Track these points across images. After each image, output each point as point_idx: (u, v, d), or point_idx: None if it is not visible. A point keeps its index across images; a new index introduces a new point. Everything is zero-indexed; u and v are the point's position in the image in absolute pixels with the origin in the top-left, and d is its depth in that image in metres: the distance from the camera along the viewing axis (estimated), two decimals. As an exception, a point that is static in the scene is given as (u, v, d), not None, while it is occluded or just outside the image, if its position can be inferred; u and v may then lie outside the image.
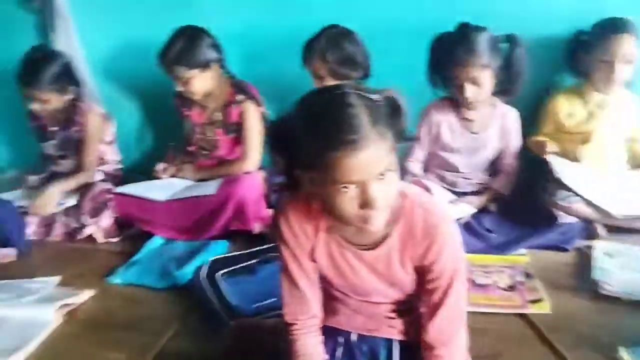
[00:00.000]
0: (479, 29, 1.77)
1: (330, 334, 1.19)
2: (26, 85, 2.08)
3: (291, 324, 1.15)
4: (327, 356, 1.15)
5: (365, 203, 0.90)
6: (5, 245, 1.98)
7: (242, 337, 1.48)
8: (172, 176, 2.21)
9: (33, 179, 2.30)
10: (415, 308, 1.16)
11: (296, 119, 0.93)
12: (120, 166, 2.38)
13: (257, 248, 1.88)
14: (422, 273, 1.07)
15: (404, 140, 0.97)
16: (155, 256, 1.91)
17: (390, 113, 0.93)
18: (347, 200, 0.91)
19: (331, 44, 1.92)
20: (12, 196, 2.16)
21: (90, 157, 2.22)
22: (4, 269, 1.94)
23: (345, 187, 0.89)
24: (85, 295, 1.72)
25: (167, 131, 2.41)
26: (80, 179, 2.18)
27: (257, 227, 1.98)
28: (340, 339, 1.19)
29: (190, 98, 2.15)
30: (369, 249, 1.07)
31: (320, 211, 1.06)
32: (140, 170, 2.41)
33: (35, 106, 2.12)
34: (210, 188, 2.03)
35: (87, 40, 2.41)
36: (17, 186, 2.30)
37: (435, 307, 1.05)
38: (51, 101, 2.13)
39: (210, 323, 1.55)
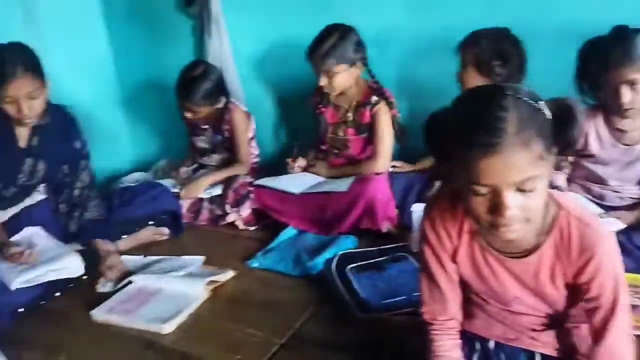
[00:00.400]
0: (638, 30, 1.64)
1: (466, 338, 1.19)
2: (182, 98, 2.32)
3: (429, 323, 1.16)
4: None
5: (494, 208, 0.89)
6: (160, 225, 2.22)
7: (372, 331, 1.52)
8: (305, 171, 2.33)
9: (183, 169, 2.54)
10: (561, 323, 1.12)
11: (450, 111, 0.95)
12: (257, 159, 2.55)
13: (387, 246, 1.91)
14: (576, 291, 1.02)
15: (575, 154, 0.94)
16: (289, 245, 2.03)
17: (557, 123, 0.90)
18: (479, 202, 0.90)
19: (490, 35, 1.88)
20: (166, 183, 2.39)
21: (244, 152, 2.42)
22: (158, 245, 2.19)
23: (478, 188, 0.89)
24: (228, 274, 1.87)
25: (301, 129, 2.54)
26: (235, 170, 2.38)
27: (385, 227, 2.02)
28: (477, 345, 1.19)
29: (327, 97, 2.24)
30: (515, 257, 1.05)
31: (465, 213, 1.06)
32: (274, 164, 2.57)
33: (187, 115, 2.36)
34: (342, 185, 2.11)
35: (232, 40, 2.61)
36: (167, 175, 2.55)
37: (602, 329, 0.99)
38: (203, 112, 2.35)
39: (341, 314, 1.62)
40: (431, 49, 1.99)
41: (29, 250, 1.87)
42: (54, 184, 2.00)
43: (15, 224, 1.98)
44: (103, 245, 1.98)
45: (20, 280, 1.77)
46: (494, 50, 1.87)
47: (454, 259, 1.11)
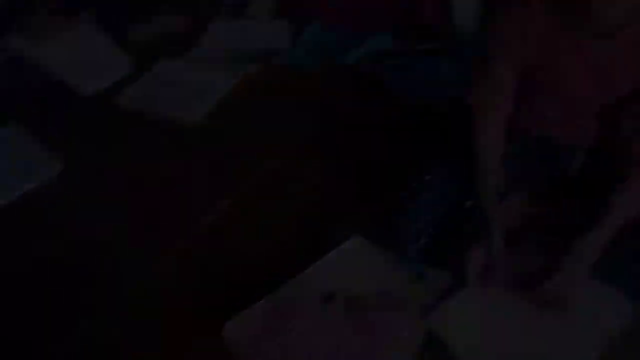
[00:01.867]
0: None
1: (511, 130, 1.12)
2: None
3: (477, 112, 1.08)
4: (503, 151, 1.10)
5: None
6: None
7: (403, 118, 1.55)
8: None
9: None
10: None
11: None
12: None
13: (423, 41, 1.79)
14: None
15: None
16: (316, 41, 1.90)
17: None
18: None
19: None
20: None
21: None
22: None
23: None
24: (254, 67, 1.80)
25: None
26: None
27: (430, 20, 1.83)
28: (520, 136, 1.14)
29: None
30: None
31: None
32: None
33: None
34: None
35: None
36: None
37: None
38: None
39: (373, 103, 1.63)
40: None
41: None
42: None
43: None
44: None
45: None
46: None
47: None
